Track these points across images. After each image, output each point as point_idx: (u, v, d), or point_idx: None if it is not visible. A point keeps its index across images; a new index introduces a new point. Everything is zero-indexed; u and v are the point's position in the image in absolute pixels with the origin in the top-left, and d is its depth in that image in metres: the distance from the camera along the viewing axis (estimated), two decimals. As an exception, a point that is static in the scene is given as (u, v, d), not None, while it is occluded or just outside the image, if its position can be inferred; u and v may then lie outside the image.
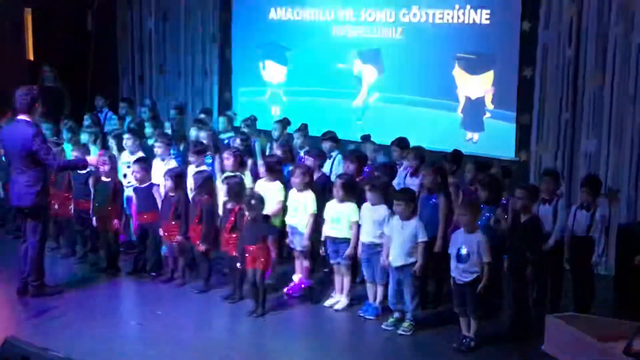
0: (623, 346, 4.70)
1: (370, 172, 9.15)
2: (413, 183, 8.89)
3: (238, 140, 10.28)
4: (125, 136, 10.27)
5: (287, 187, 8.92)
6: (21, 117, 8.22)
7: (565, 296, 8.12)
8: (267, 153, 10.70)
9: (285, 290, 8.72)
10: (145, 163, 9.38)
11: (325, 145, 10.11)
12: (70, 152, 9.77)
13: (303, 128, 10.89)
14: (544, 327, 7.01)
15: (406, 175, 9.14)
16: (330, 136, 10.25)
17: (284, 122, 11.36)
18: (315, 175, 9.10)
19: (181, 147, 10.74)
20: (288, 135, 11.03)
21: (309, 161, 9.23)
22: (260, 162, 9.89)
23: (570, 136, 9.79)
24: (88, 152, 9.85)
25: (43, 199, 8.40)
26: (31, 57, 14.20)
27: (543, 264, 7.62)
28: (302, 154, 9.93)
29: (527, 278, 7.48)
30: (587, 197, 7.82)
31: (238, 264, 8.21)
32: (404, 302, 7.71)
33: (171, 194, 8.89)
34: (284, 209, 8.81)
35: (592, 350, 4.67)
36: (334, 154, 10.04)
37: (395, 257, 7.66)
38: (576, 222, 7.85)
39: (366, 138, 10.37)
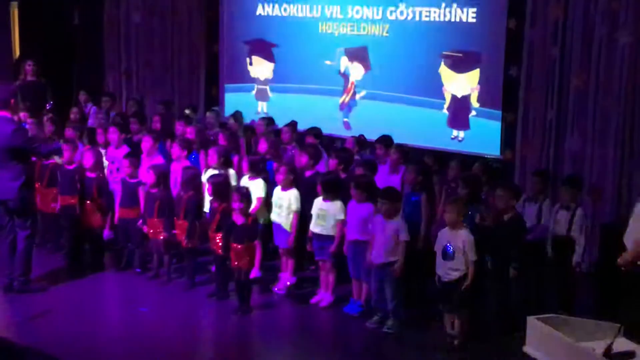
0: (604, 347, 4.74)
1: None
2: (393, 180, 8.94)
3: (221, 136, 10.28)
4: (111, 129, 10.27)
5: (272, 184, 8.95)
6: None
7: (548, 295, 8.18)
8: (251, 149, 10.69)
9: (270, 287, 8.74)
10: (135, 159, 9.36)
11: (309, 141, 10.13)
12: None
13: (293, 124, 10.89)
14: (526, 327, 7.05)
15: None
16: (314, 132, 10.27)
17: (269, 120, 11.35)
18: (308, 173, 9.12)
19: (168, 143, 10.71)
20: (274, 131, 11.02)
21: (303, 158, 9.23)
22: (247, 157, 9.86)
23: (555, 135, 9.83)
24: (76, 147, 9.85)
25: (27, 192, 8.40)
26: (17, 54, 14.16)
27: (526, 263, 7.67)
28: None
29: (510, 277, 7.52)
30: (567, 196, 7.86)
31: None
32: (386, 300, 7.74)
33: (153, 190, 8.88)
34: (268, 207, 8.83)
35: (572, 352, 4.71)
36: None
37: (376, 255, 7.69)
38: (557, 221, 7.90)
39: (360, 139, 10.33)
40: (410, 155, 9.42)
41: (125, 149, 10.00)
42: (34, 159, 9.08)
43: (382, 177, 8.96)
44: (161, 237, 8.88)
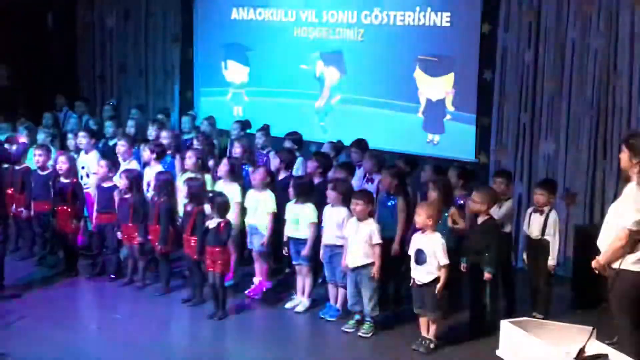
0: (576, 351, 4.77)
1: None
2: (369, 188, 8.94)
3: (195, 142, 10.23)
4: (81, 134, 10.20)
5: (245, 188, 8.93)
6: None
7: (522, 298, 8.24)
8: (227, 153, 10.66)
9: (246, 292, 8.72)
10: (111, 163, 9.31)
11: (287, 145, 10.13)
12: (32, 152, 9.68)
13: (265, 128, 10.89)
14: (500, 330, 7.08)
15: (364, 177, 9.19)
16: (293, 137, 10.27)
17: (244, 123, 11.34)
18: (282, 176, 9.12)
19: (142, 147, 10.64)
20: (248, 135, 11.02)
21: (276, 161, 9.22)
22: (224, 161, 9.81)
23: (529, 138, 9.90)
24: (49, 152, 9.78)
25: None
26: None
27: (499, 266, 7.71)
28: (270, 154, 9.94)
29: (484, 280, 7.56)
30: (541, 199, 7.92)
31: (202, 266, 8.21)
32: (362, 304, 7.75)
33: (126, 195, 8.84)
34: (243, 210, 8.81)
35: (545, 355, 4.73)
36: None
37: (351, 258, 7.69)
38: (531, 225, 7.95)
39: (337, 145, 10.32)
40: (386, 160, 9.43)
41: (95, 154, 9.93)
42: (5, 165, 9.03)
43: (357, 184, 8.98)
44: (136, 243, 8.83)
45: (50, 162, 9.65)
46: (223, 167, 9.00)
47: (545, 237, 7.83)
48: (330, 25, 11.59)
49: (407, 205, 8.27)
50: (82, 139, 10.06)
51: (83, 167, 9.85)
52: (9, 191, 9.38)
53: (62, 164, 9.24)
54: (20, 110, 12.72)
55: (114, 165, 9.35)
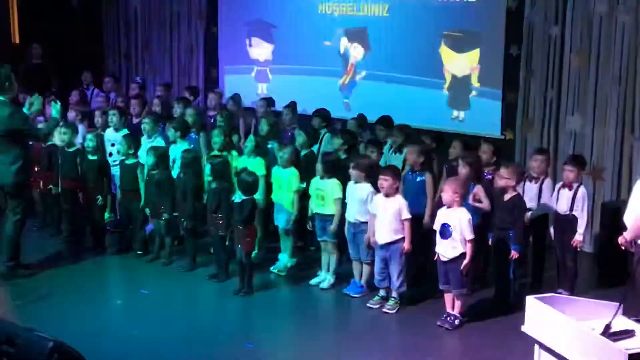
0: (602, 327, 4.75)
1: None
2: (397, 159, 8.93)
3: (219, 118, 10.25)
4: (111, 112, 10.25)
5: (271, 165, 8.95)
6: None
7: (549, 274, 8.20)
8: (252, 130, 10.69)
9: (271, 269, 8.76)
10: (133, 140, 9.35)
11: (315, 122, 10.12)
12: (59, 129, 9.73)
13: (291, 105, 10.88)
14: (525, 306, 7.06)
15: (390, 151, 9.18)
16: (320, 114, 10.26)
17: (269, 101, 11.34)
18: (304, 152, 9.14)
19: (167, 125, 10.69)
20: (274, 112, 11.02)
21: (300, 137, 9.22)
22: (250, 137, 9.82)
23: (555, 114, 9.82)
24: (76, 130, 9.85)
25: (23, 177, 8.41)
26: (17, 40, 14.13)
27: (526, 242, 7.68)
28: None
29: (510, 256, 7.54)
30: (570, 175, 7.86)
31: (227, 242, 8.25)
32: (389, 280, 7.76)
33: (153, 171, 8.89)
34: (268, 186, 8.83)
35: (571, 331, 4.72)
36: (322, 131, 10.02)
37: (381, 235, 7.68)
38: (559, 200, 7.90)
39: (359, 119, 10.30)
40: (412, 135, 9.41)
41: (125, 132, 9.99)
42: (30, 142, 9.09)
43: (385, 157, 8.96)
44: (162, 219, 8.89)
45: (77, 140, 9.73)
46: (248, 143, 9.03)
47: (574, 212, 7.79)
48: (354, 1, 11.53)
49: (435, 180, 8.25)
50: (113, 117, 10.09)
51: (113, 144, 9.89)
52: (35, 168, 9.47)
53: (90, 141, 9.31)
54: (53, 87, 12.80)
55: (135, 142, 9.37)
